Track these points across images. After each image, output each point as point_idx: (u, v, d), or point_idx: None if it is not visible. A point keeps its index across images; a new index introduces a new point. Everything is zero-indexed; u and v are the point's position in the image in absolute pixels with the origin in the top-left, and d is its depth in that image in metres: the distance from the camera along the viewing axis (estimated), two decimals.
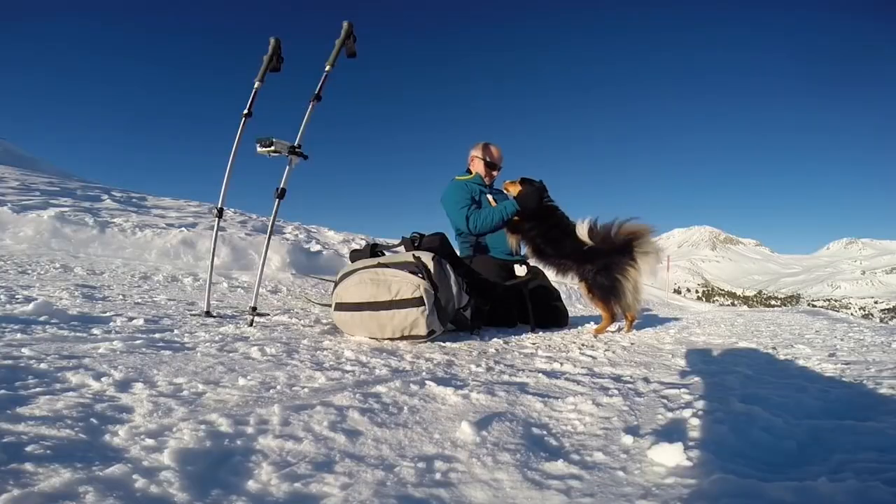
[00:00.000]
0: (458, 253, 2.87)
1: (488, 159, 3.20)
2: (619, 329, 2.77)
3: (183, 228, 5.09)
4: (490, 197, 3.14)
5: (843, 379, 1.52)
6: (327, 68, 2.34)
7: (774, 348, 2.19)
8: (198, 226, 5.49)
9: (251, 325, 2.03)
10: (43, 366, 1.14)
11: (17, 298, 2.08)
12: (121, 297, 2.52)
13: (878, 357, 1.96)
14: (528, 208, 2.85)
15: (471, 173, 3.26)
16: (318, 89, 2.33)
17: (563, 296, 3.29)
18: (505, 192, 3.10)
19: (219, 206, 2.41)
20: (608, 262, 2.60)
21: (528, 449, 0.86)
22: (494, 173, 3.26)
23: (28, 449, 0.72)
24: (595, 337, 2.49)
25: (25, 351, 1.24)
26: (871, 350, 2.20)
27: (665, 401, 1.22)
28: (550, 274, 2.97)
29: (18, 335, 1.43)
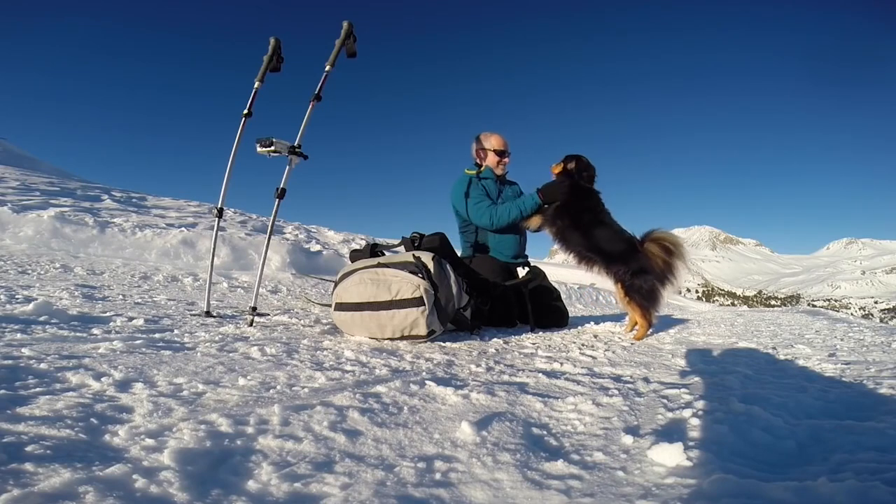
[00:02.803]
0: (459, 249, 2.84)
1: (496, 148, 3.11)
2: (621, 328, 2.78)
3: (183, 228, 5.10)
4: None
5: (843, 379, 1.52)
6: (327, 68, 2.34)
7: (774, 348, 2.19)
8: (198, 226, 5.49)
9: (251, 325, 2.03)
10: (43, 366, 1.14)
11: (17, 298, 2.08)
12: (121, 297, 2.52)
13: (878, 357, 1.96)
14: (553, 202, 2.68)
15: (480, 167, 3.15)
16: (318, 89, 2.33)
17: (563, 296, 3.28)
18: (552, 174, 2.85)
19: (219, 206, 2.41)
20: (643, 265, 2.44)
21: (528, 449, 0.86)
22: (506, 160, 3.16)
23: (28, 449, 0.71)
24: (634, 342, 2.33)
25: (25, 351, 1.24)
26: (871, 350, 2.20)
27: (665, 401, 1.22)
28: (565, 269, 2.92)
29: (18, 335, 1.43)
